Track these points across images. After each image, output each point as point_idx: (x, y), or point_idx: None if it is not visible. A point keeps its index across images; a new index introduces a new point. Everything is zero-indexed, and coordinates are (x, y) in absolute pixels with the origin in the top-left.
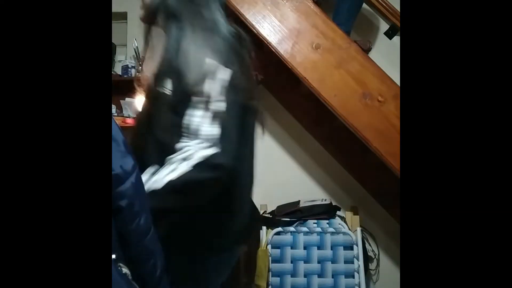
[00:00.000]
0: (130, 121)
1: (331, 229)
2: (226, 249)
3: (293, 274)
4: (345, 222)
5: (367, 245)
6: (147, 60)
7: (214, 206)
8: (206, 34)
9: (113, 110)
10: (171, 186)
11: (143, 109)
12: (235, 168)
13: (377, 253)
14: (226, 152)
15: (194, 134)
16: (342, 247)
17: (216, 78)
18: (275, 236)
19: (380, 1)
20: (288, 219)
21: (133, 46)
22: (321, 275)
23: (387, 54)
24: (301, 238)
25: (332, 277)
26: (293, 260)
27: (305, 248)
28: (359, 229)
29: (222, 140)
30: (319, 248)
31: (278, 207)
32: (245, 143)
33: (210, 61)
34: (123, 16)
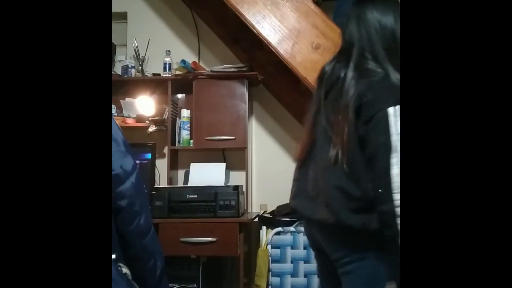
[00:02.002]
0: (130, 121)
1: None
2: None
3: (293, 274)
4: None
5: None
6: None
7: None
8: None
9: (113, 110)
10: None
11: None
12: None
13: None
14: None
15: None
16: None
17: None
18: (275, 236)
19: None
20: (288, 219)
21: (133, 46)
22: None
23: None
24: (301, 238)
25: None
26: (293, 260)
27: (305, 248)
28: None
29: None
30: None
31: (278, 207)
32: None
33: None
34: (123, 16)
